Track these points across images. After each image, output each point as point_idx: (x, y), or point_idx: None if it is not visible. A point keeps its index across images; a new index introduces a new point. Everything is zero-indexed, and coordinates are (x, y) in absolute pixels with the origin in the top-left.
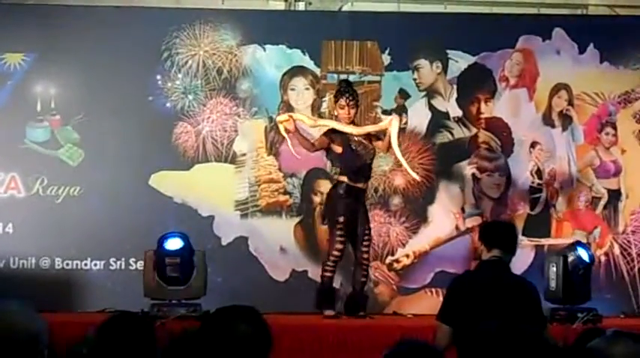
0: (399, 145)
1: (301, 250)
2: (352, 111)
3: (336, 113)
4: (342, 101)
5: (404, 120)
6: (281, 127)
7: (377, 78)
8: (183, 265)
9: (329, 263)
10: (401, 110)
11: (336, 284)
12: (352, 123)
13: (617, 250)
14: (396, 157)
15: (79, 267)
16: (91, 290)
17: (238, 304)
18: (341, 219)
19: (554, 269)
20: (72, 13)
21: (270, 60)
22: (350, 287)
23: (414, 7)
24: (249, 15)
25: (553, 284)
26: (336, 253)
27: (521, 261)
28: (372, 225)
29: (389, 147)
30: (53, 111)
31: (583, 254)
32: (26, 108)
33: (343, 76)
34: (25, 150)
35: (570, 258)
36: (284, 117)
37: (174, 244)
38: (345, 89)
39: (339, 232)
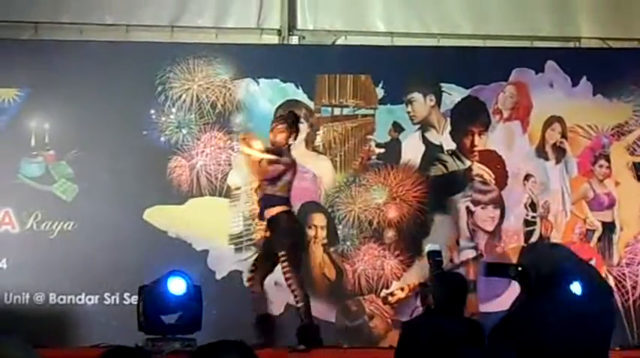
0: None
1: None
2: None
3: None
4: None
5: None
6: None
7: (371, 111)
8: (182, 303)
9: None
10: (395, 143)
11: (332, 318)
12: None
13: (611, 282)
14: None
15: (73, 301)
16: (86, 325)
17: (232, 339)
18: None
19: None
20: (66, 48)
21: (263, 94)
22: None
23: (407, 41)
24: (242, 49)
25: None
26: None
27: (516, 293)
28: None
29: None
30: (47, 147)
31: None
32: (20, 143)
33: (337, 110)
34: (19, 185)
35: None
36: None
37: (177, 286)
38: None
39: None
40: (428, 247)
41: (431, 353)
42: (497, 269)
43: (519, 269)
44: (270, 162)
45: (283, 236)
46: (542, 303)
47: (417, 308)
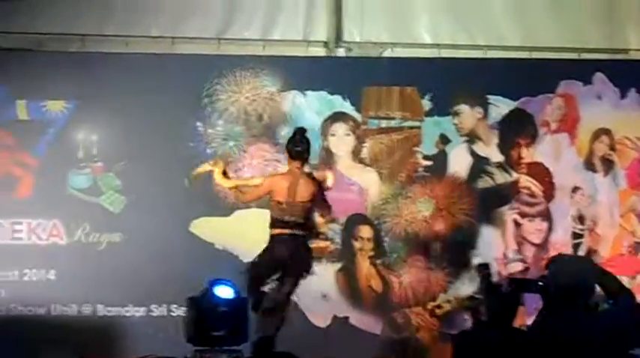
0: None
1: (342, 296)
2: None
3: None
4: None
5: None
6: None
7: (417, 123)
8: (229, 314)
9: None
10: (442, 155)
11: (378, 330)
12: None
13: None
14: None
15: (120, 313)
16: (133, 337)
17: (279, 351)
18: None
19: None
20: (113, 61)
21: (310, 106)
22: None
23: (454, 53)
24: (289, 61)
25: None
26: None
27: None
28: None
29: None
30: (95, 158)
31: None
32: (68, 155)
33: (384, 122)
34: (67, 197)
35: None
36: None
37: (224, 292)
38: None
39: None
40: (477, 261)
41: None
42: (520, 284)
43: (540, 283)
44: None
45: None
46: (557, 318)
47: (466, 320)
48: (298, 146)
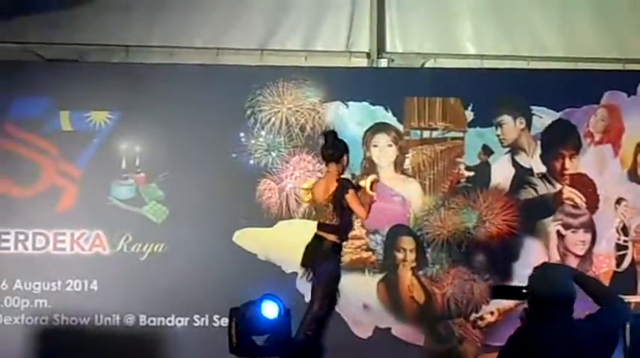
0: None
1: (384, 307)
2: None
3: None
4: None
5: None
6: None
7: (460, 134)
8: (273, 325)
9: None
10: (484, 166)
11: (421, 341)
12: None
13: None
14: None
15: (163, 323)
16: (175, 347)
17: None
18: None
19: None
20: (156, 72)
21: (352, 116)
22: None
23: (496, 64)
24: (331, 72)
25: (628, 342)
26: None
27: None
28: None
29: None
30: (138, 169)
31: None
32: (111, 166)
33: (426, 133)
34: (110, 207)
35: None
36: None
37: (270, 310)
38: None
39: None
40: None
41: None
42: (504, 292)
43: (524, 291)
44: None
45: None
46: (533, 326)
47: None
48: (329, 149)
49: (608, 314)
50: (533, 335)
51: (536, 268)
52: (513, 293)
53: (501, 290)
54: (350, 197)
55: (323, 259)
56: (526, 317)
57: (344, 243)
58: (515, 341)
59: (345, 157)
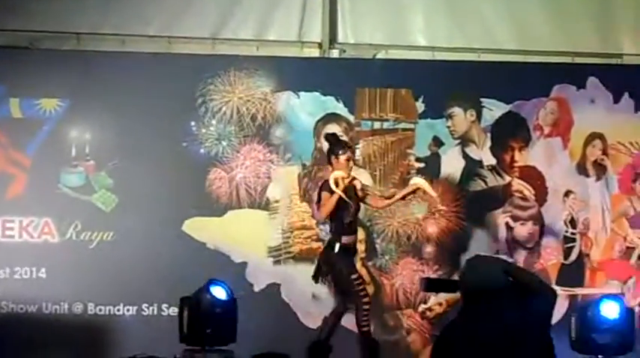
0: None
1: (334, 297)
2: (351, 164)
3: (334, 166)
4: (349, 153)
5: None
6: (336, 182)
7: (411, 125)
8: (221, 315)
9: (364, 319)
10: (435, 157)
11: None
12: (349, 174)
13: None
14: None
15: (111, 312)
16: (124, 336)
17: (271, 352)
18: (353, 276)
19: (574, 319)
20: (108, 60)
21: (303, 107)
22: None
23: (448, 56)
24: (283, 62)
25: (573, 334)
26: (365, 307)
27: (555, 310)
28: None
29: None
30: (88, 157)
31: (609, 308)
32: (61, 154)
33: (377, 124)
34: (59, 195)
35: (592, 311)
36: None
37: (219, 293)
38: (344, 143)
39: (360, 287)
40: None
41: None
42: (437, 285)
43: (455, 284)
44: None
45: None
46: (464, 319)
47: None
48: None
49: (539, 303)
50: (464, 327)
51: (467, 261)
52: (445, 286)
53: (433, 283)
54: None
55: (321, 257)
56: (459, 310)
57: (294, 233)
58: (448, 334)
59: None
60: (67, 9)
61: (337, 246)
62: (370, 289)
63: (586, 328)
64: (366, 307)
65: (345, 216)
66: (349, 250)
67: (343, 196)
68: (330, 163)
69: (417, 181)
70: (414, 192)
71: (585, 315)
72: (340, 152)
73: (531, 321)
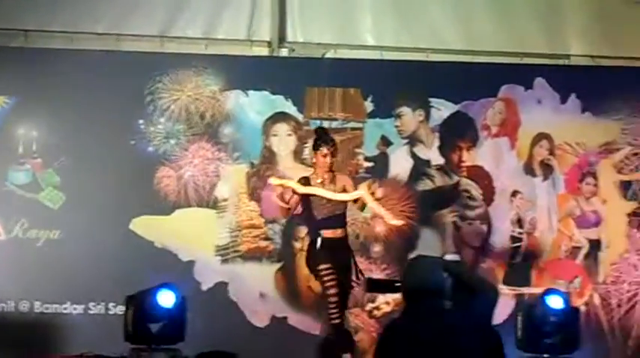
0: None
1: (281, 296)
2: (332, 159)
3: (314, 160)
4: (325, 149)
5: (377, 193)
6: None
7: (359, 125)
8: (167, 313)
9: (331, 310)
10: (383, 157)
11: (317, 330)
12: (330, 171)
13: (597, 300)
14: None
15: (58, 310)
16: (70, 334)
17: (217, 350)
18: (322, 266)
19: (520, 317)
20: (56, 57)
21: (252, 105)
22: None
23: (396, 56)
24: (232, 60)
25: (520, 333)
26: (332, 299)
27: (502, 309)
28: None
29: (363, 206)
30: (35, 155)
31: (555, 302)
32: (8, 151)
33: (326, 123)
34: (5, 192)
35: (539, 308)
36: (277, 181)
37: (166, 299)
38: (326, 137)
39: (326, 278)
40: (447, 258)
41: None
42: (378, 285)
43: (397, 284)
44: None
45: None
46: (406, 318)
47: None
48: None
49: (482, 302)
50: (405, 327)
51: (408, 261)
52: (387, 286)
53: (375, 284)
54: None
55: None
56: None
57: (242, 232)
58: (390, 333)
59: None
60: (15, 6)
61: (319, 240)
62: (317, 288)
63: (532, 327)
64: (333, 299)
65: (317, 213)
66: (333, 243)
67: (284, 205)
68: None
69: (361, 192)
70: (355, 201)
71: (531, 313)
72: (319, 148)
73: (473, 320)
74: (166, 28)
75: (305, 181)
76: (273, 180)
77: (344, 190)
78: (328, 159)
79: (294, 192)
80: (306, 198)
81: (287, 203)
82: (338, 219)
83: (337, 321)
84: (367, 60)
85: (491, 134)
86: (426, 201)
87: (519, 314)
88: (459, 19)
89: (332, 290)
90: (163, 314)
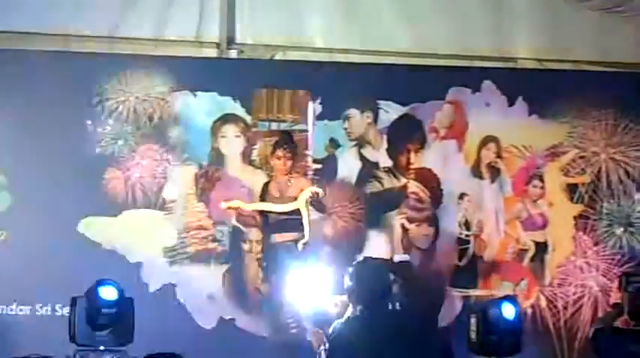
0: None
1: (229, 298)
2: (288, 163)
3: (272, 163)
4: (279, 152)
5: (320, 194)
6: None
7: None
8: (114, 315)
9: None
10: (331, 159)
11: (265, 332)
12: (287, 173)
13: (543, 302)
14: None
15: (4, 311)
16: (17, 336)
17: (163, 352)
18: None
19: (474, 320)
20: (3, 57)
21: (201, 107)
22: None
23: (345, 57)
24: (181, 62)
25: (473, 335)
26: None
27: (449, 311)
28: None
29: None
30: None
31: (508, 309)
32: None
33: (274, 125)
34: None
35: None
36: (226, 205)
37: (109, 293)
38: (284, 141)
39: None
40: (396, 258)
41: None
42: None
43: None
44: None
45: None
46: (355, 321)
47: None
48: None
49: (426, 304)
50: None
51: (354, 264)
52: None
53: None
54: None
55: None
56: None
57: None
58: (337, 337)
59: None
60: None
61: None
62: (264, 288)
63: (484, 329)
64: None
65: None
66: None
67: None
68: None
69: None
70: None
71: (485, 317)
72: (274, 151)
73: (418, 321)
74: (115, 28)
75: (264, 187)
76: (223, 205)
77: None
78: (282, 162)
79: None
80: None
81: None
82: (294, 222)
83: None
84: (316, 62)
85: (439, 136)
86: (374, 203)
87: (473, 316)
88: (408, 21)
89: None
90: (108, 315)
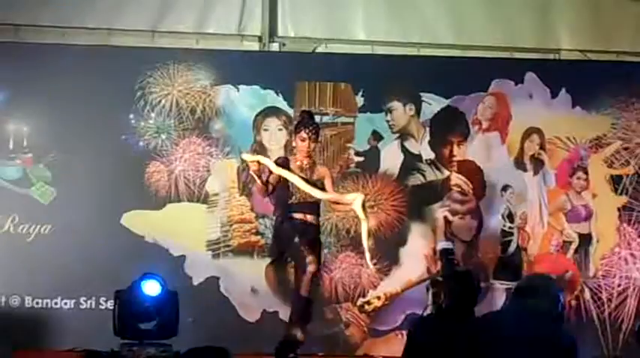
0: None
1: (272, 291)
2: (312, 145)
3: (294, 144)
4: (303, 133)
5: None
6: (252, 166)
7: (350, 119)
8: (158, 308)
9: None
10: (374, 151)
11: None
12: (309, 156)
13: (587, 294)
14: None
15: (49, 305)
16: (61, 329)
17: (209, 345)
18: (296, 240)
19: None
20: (46, 52)
21: (243, 100)
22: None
23: (387, 50)
24: (223, 55)
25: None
26: (310, 274)
27: (493, 304)
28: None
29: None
30: (25, 149)
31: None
32: None
33: (317, 117)
34: None
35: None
36: (252, 158)
37: (151, 288)
38: (308, 121)
39: (304, 252)
40: (440, 245)
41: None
42: None
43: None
44: None
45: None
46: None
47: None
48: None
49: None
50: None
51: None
52: None
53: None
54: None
55: None
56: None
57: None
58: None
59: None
60: (6, 0)
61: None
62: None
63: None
64: (312, 274)
65: (286, 196)
66: (303, 225)
67: (259, 182)
68: None
69: (356, 205)
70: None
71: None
72: (298, 131)
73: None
74: (157, 23)
75: (283, 161)
76: (246, 156)
77: (321, 180)
78: (307, 144)
79: (270, 171)
80: (284, 179)
81: (265, 181)
82: (310, 206)
83: (309, 296)
84: (358, 54)
85: (482, 129)
86: (416, 196)
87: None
88: (450, 13)
89: (311, 267)
90: (152, 308)
